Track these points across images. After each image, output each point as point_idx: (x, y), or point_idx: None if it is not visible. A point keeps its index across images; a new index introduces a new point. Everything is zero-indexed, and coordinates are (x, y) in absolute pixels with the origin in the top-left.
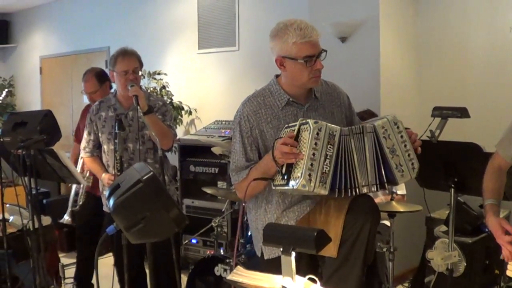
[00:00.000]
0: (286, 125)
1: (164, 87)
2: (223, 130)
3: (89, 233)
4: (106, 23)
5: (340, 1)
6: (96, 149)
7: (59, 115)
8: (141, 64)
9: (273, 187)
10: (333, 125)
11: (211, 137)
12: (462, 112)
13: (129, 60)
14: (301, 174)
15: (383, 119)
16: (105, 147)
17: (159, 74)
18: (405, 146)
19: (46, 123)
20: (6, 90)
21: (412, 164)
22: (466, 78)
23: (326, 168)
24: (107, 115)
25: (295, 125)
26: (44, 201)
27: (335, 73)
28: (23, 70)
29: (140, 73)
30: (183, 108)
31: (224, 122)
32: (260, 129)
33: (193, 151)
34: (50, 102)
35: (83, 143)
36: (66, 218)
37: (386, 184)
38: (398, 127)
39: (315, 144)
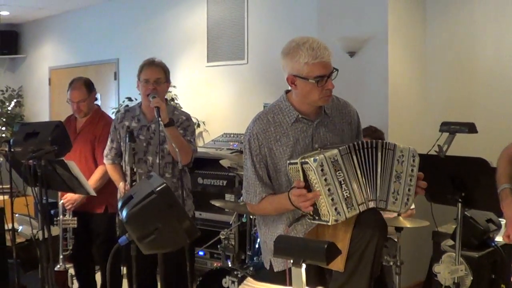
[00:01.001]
0: (288, 162)
1: (172, 99)
2: (231, 143)
3: (85, 250)
4: (115, 35)
5: (349, 15)
6: (118, 157)
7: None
8: (166, 77)
9: (309, 220)
10: (330, 151)
11: (220, 149)
12: (469, 128)
13: (153, 69)
14: (328, 212)
15: (407, 146)
16: (125, 156)
17: None
18: (410, 180)
19: (57, 134)
20: (15, 100)
21: (407, 199)
22: (473, 93)
23: (346, 192)
24: (130, 125)
25: (296, 163)
26: (52, 211)
27: (343, 87)
28: (32, 80)
29: (165, 85)
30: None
31: (232, 135)
32: (269, 147)
33: (202, 164)
34: (59, 113)
35: (106, 150)
36: (61, 265)
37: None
38: (413, 161)
39: (325, 180)
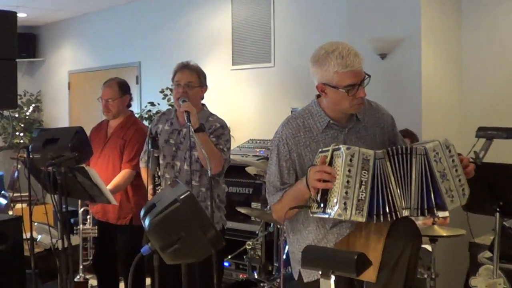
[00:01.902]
0: (320, 150)
1: None
2: (257, 149)
3: (107, 261)
4: (137, 38)
5: (380, 16)
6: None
7: (87, 132)
8: (200, 81)
9: (311, 214)
10: (366, 150)
11: (245, 156)
12: (508, 133)
13: (184, 73)
14: (336, 202)
15: (434, 141)
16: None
17: None
18: (456, 171)
19: (78, 140)
20: (33, 105)
21: (463, 190)
22: None
23: (362, 195)
24: (163, 128)
25: (328, 150)
26: (72, 220)
27: (374, 90)
28: (50, 85)
29: (199, 90)
30: None
31: (258, 141)
32: (298, 152)
33: (227, 171)
34: (78, 118)
35: (141, 154)
36: (80, 276)
37: (435, 210)
38: (449, 151)
39: (349, 171)
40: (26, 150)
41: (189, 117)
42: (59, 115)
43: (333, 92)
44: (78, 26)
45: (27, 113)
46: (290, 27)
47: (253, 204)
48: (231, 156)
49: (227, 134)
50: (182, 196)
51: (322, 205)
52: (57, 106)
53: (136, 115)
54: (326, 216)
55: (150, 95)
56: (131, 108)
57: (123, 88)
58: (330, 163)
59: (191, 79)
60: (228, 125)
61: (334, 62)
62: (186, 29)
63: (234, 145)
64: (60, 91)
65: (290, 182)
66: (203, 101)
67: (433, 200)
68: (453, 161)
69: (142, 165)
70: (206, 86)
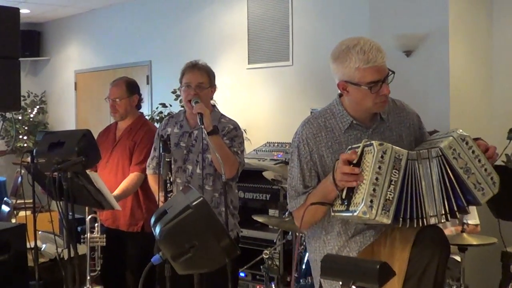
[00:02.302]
0: (350, 147)
1: None
2: (275, 153)
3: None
4: (147, 35)
5: (405, 10)
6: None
7: (95, 135)
8: (211, 81)
9: (332, 213)
10: (399, 149)
11: (262, 160)
12: None
13: (194, 73)
14: (362, 199)
15: (448, 137)
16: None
17: None
18: (479, 161)
19: (85, 144)
20: (38, 107)
21: (492, 178)
22: None
23: (390, 194)
24: (173, 132)
25: (359, 147)
26: (79, 228)
27: (399, 90)
28: (56, 85)
29: (209, 90)
30: None
31: (276, 144)
32: (319, 153)
33: (242, 176)
34: (85, 120)
35: (148, 160)
36: (88, 287)
37: (456, 213)
38: (467, 143)
39: (379, 168)
40: (30, 154)
41: (202, 119)
42: (65, 117)
43: (355, 89)
44: (85, 23)
45: (31, 115)
46: (309, 23)
47: (271, 211)
48: (247, 160)
49: (241, 136)
50: (195, 202)
51: (346, 202)
52: (62, 107)
53: (147, 117)
54: (350, 214)
55: (162, 96)
56: (141, 110)
57: (131, 88)
58: (360, 160)
59: (201, 80)
60: (244, 128)
61: (355, 58)
62: (199, 26)
63: (250, 148)
64: (66, 92)
65: (313, 185)
66: (215, 102)
67: (463, 199)
68: (473, 152)
69: (149, 172)
70: (215, 85)
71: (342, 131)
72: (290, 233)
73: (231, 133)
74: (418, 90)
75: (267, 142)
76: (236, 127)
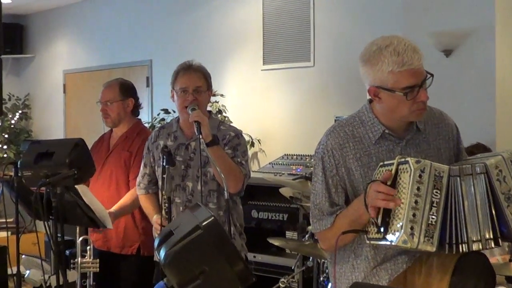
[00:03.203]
0: (381, 163)
1: (220, 111)
2: (294, 167)
3: None
4: (148, 31)
5: (444, 5)
6: (153, 185)
7: (88, 145)
8: (208, 84)
9: (367, 241)
10: (439, 165)
11: (279, 175)
12: None
13: (191, 76)
14: (401, 226)
15: (496, 156)
16: (160, 183)
17: (214, 95)
18: None
19: (77, 155)
20: (20, 111)
21: None
22: None
23: (433, 218)
24: (166, 144)
25: (392, 164)
26: (68, 252)
27: (436, 95)
28: (42, 87)
29: (207, 94)
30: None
31: (295, 157)
32: (346, 167)
33: (256, 193)
34: (76, 128)
35: (138, 178)
36: None
37: (499, 240)
38: None
39: (418, 189)
40: (13, 166)
41: (200, 129)
42: (52, 124)
43: (388, 96)
44: (76, 16)
45: (12, 121)
46: (333, 19)
47: (288, 234)
48: (261, 175)
49: (244, 144)
50: (205, 222)
51: (382, 229)
52: (49, 113)
53: (146, 125)
54: (388, 243)
55: (164, 101)
56: (140, 117)
57: (126, 90)
58: (395, 179)
59: (199, 83)
60: (258, 138)
61: (388, 60)
62: (207, 20)
63: (265, 161)
64: (53, 94)
65: (340, 204)
66: (225, 108)
67: (498, 228)
68: None
69: (140, 192)
70: (212, 89)
71: (372, 142)
72: (310, 259)
73: (232, 142)
74: (458, 95)
75: (285, 155)
76: (238, 134)
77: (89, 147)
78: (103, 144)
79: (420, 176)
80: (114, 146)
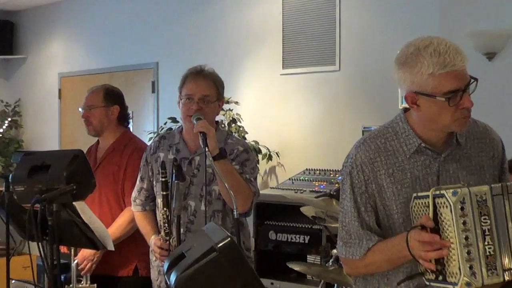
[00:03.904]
0: (415, 195)
1: (234, 120)
2: (316, 183)
3: None
4: (154, 30)
5: (487, 3)
6: (150, 202)
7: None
8: (218, 94)
9: (427, 282)
10: (478, 187)
11: (300, 192)
12: None
13: (199, 83)
14: (459, 269)
15: None
16: (158, 200)
17: (227, 102)
18: None
19: (76, 168)
20: (10, 119)
21: None
22: None
23: (489, 248)
24: (166, 158)
25: (427, 196)
26: (63, 276)
27: (477, 102)
28: (34, 92)
29: (216, 105)
30: (260, 151)
31: (318, 172)
32: (378, 183)
33: (275, 212)
34: (72, 138)
35: (134, 193)
36: None
37: None
38: None
39: (464, 223)
40: (4, 181)
41: (206, 141)
42: (46, 133)
43: (428, 102)
44: (73, 12)
45: (1, 130)
46: (362, 17)
47: (310, 258)
48: (281, 192)
49: (253, 160)
50: (221, 244)
51: (441, 277)
52: (42, 121)
53: (152, 135)
54: (450, 286)
55: (171, 108)
56: (145, 126)
57: (111, 96)
58: (435, 215)
59: (207, 92)
60: (276, 150)
61: (428, 61)
62: (220, 19)
63: (284, 177)
64: (47, 100)
65: (370, 224)
66: (239, 117)
67: None
68: None
69: (136, 208)
70: (223, 99)
71: (406, 156)
72: (335, 286)
73: (241, 157)
74: (502, 103)
75: (306, 169)
76: (247, 148)
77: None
78: (90, 157)
79: (462, 208)
80: (101, 159)
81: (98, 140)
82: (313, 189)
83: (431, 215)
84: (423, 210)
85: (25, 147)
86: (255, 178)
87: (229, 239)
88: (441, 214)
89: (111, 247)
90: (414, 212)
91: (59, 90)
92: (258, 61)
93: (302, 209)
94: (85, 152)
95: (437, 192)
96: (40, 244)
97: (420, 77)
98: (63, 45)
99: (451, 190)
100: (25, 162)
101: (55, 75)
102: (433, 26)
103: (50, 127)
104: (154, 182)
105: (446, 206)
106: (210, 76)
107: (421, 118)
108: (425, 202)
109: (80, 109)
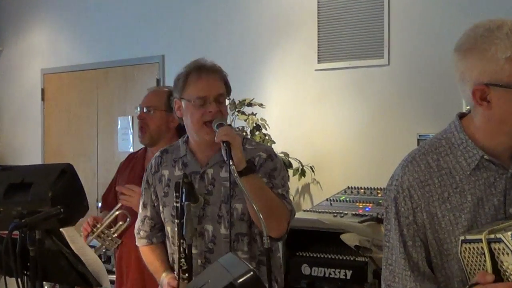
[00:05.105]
0: (462, 238)
1: (258, 127)
2: (360, 205)
3: None
4: (159, 18)
5: None
6: (157, 233)
7: (77, 171)
8: (228, 89)
9: None
10: None
11: (340, 215)
12: None
13: (210, 79)
14: None
15: None
16: (168, 229)
17: (249, 105)
18: None
19: (64, 187)
20: None
21: None
22: None
23: None
24: (172, 175)
25: (478, 241)
26: None
27: None
28: (11, 92)
29: (227, 103)
30: (290, 165)
31: (363, 190)
32: (430, 211)
33: (308, 241)
34: (59, 149)
35: (137, 224)
36: None
37: None
38: None
39: None
40: None
41: (230, 151)
42: (26, 143)
43: (504, 96)
44: None
45: None
46: (415, 4)
47: None
48: (316, 216)
49: (281, 167)
50: (242, 279)
51: None
52: (22, 128)
53: None
54: None
55: None
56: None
57: None
58: (494, 267)
59: (221, 90)
60: (311, 164)
61: (505, 43)
62: (240, 5)
63: (320, 197)
64: (28, 102)
65: (420, 265)
66: (273, 122)
67: None
68: None
69: (141, 242)
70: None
71: (466, 173)
72: None
73: (266, 166)
74: None
75: (348, 188)
76: (271, 154)
77: (80, 173)
78: (135, 166)
79: None
80: None
81: (145, 148)
82: (357, 212)
83: (489, 269)
84: (476, 259)
85: (0, 160)
86: (287, 191)
87: (251, 273)
88: (501, 262)
89: (107, 284)
90: (465, 259)
91: (42, 90)
92: (288, 55)
93: (342, 237)
94: (126, 159)
95: (492, 236)
96: (19, 280)
97: (494, 63)
98: (47, 35)
99: (510, 233)
100: (1, 179)
101: (37, 72)
102: (501, 9)
103: (31, 136)
104: (160, 208)
105: (507, 253)
106: (217, 69)
107: (489, 120)
108: (477, 248)
109: (137, 110)
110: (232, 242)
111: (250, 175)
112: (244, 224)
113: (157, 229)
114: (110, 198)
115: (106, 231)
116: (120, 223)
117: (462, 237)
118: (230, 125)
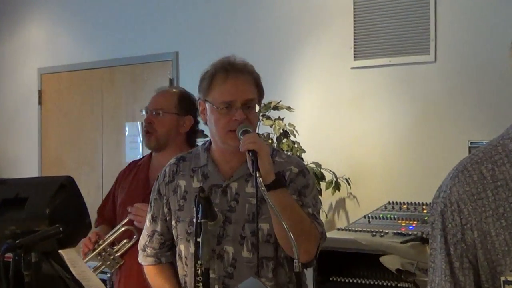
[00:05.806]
0: (503, 279)
1: (286, 134)
2: (403, 222)
3: None
4: (173, 10)
5: None
6: (167, 251)
7: (79, 184)
8: (260, 93)
9: None
10: None
11: (380, 235)
12: None
13: (238, 82)
14: None
15: None
16: (181, 247)
17: (276, 108)
18: None
19: (63, 202)
20: None
21: None
22: None
23: None
24: (190, 187)
25: None
26: None
27: None
28: (5, 94)
29: (257, 109)
30: (323, 178)
31: (405, 206)
32: (482, 229)
33: (343, 264)
34: (58, 158)
35: (142, 239)
36: None
37: None
38: None
39: None
40: None
41: (257, 163)
42: (21, 152)
43: None
44: None
45: None
46: None
47: None
48: (352, 235)
49: (314, 185)
50: None
51: None
52: (16, 135)
53: None
54: None
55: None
56: None
57: (186, 104)
58: None
59: (251, 95)
60: (346, 176)
61: None
62: None
63: (357, 213)
64: (23, 106)
65: (468, 285)
66: (303, 129)
67: None
68: None
69: (147, 261)
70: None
71: None
72: None
73: (296, 182)
74: None
75: (389, 203)
76: (303, 169)
77: (82, 186)
78: (138, 175)
79: None
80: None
81: (149, 155)
82: (399, 231)
83: None
84: None
85: None
86: (319, 212)
87: None
88: None
89: None
90: None
91: (39, 92)
92: (319, 51)
93: (382, 259)
94: (126, 167)
95: None
96: None
97: None
98: (44, 29)
99: None
100: None
101: (34, 72)
102: None
103: (27, 144)
104: (172, 223)
105: None
106: (247, 69)
107: None
108: None
109: (142, 112)
110: (256, 266)
111: (278, 189)
112: (270, 247)
113: (167, 247)
114: (106, 212)
115: (108, 249)
116: (125, 241)
117: (503, 278)
118: (258, 134)
